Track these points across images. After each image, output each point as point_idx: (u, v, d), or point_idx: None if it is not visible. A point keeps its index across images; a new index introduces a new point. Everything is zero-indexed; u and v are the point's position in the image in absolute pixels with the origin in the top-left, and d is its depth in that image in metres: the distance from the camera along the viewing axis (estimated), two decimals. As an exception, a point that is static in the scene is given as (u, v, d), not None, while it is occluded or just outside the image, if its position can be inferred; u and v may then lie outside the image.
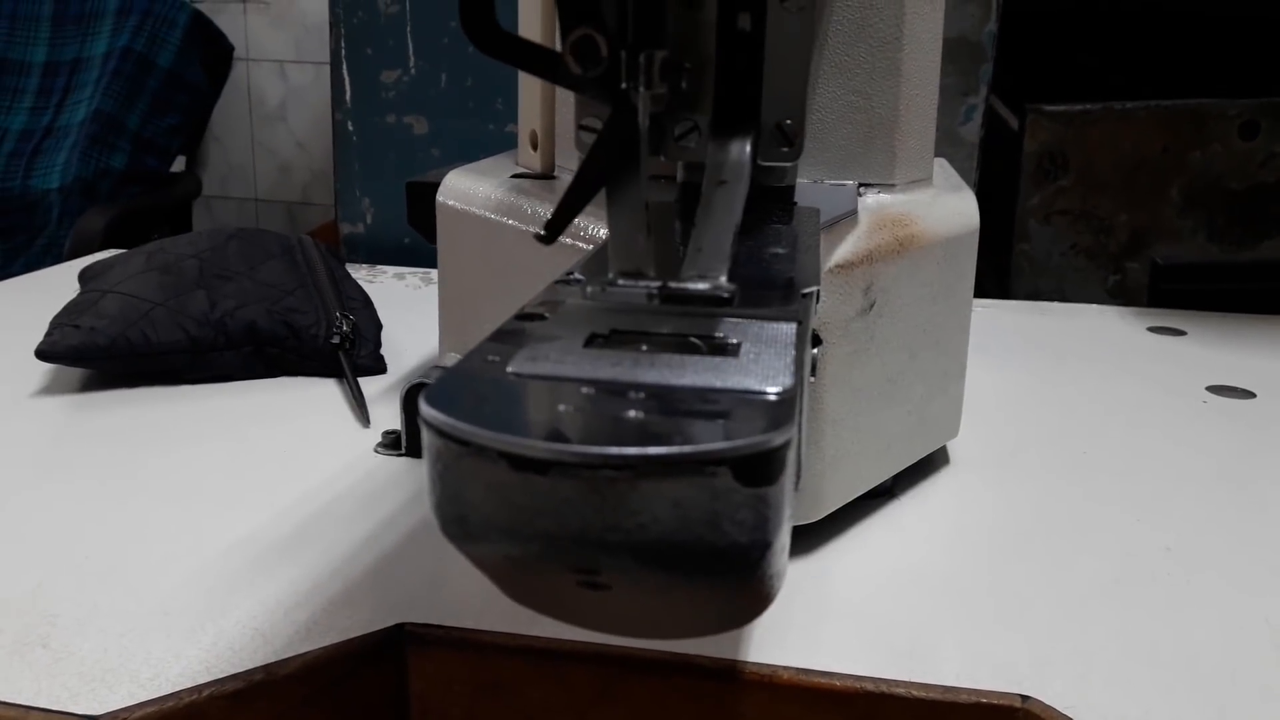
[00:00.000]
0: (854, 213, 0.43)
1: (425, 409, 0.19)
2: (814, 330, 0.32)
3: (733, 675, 0.34)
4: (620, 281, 0.23)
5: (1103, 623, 0.37)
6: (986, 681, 0.34)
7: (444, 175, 0.53)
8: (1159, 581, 0.40)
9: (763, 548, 0.19)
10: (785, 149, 0.29)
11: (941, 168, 0.55)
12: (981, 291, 0.96)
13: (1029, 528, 0.45)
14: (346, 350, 0.60)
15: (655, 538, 0.18)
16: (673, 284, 0.23)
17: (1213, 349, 0.69)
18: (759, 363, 0.23)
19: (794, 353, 0.23)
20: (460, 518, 0.19)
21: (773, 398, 0.21)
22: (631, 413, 0.19)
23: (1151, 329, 0.73)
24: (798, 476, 0.25)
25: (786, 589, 0.39)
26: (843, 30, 0.45)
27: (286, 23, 1.85)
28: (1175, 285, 0.94)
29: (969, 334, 0.49)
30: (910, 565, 0.41)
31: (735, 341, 0.24)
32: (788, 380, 0.21)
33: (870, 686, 0.34)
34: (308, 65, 1.84)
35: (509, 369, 0.22)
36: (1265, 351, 0.68)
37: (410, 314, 0.71)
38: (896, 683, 0.34)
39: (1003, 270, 0.99)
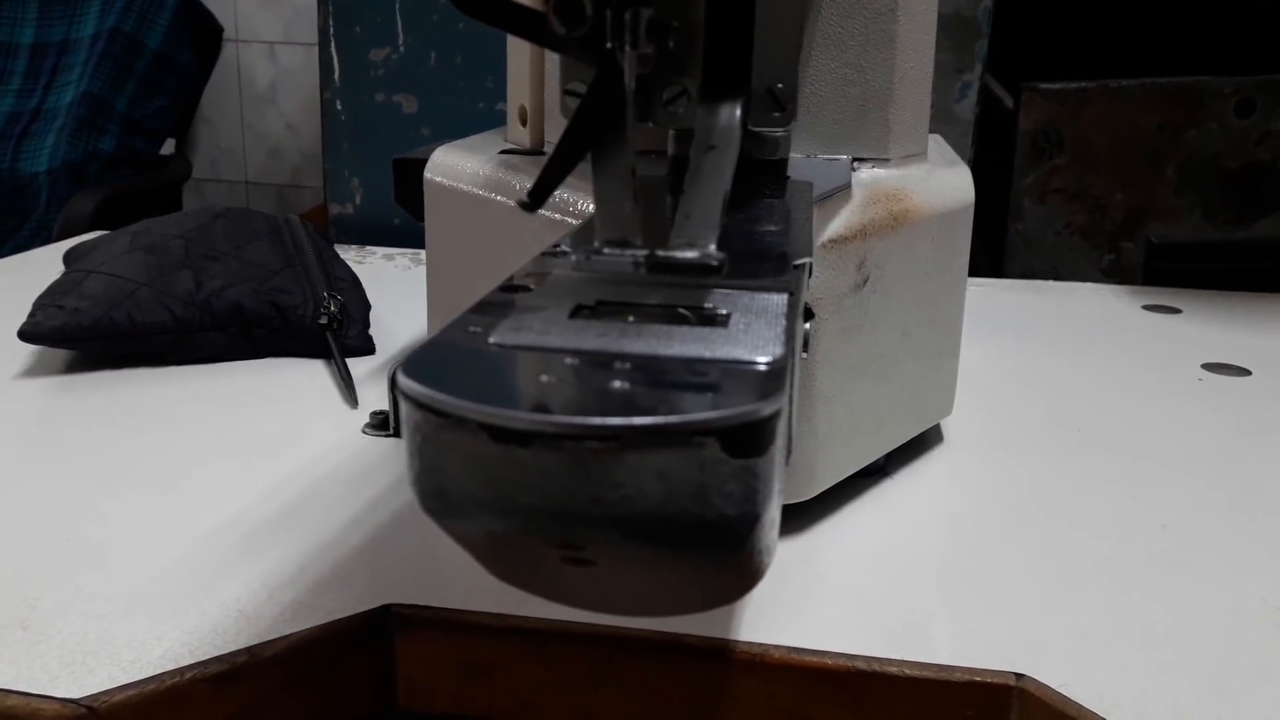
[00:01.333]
0: (848, 187, 0.42)
1: (404, 380, 0.19)
2: (806, 304, 0.32)
3: (724, 655, 0.34)
4: (606, 250, 0.23)
5: (1098, 601, 0.37)
6: (981, 660, 0.34)
7: (432, 152, 0.52)
8: (1155, 560, 0.40)
9: (751, 520, 0.19)
10: (777, 114, 0.28)
11: (936, 143, 0.54)
12: (976, 270, 0.96)
13: (1023, 506, 0.44)
14: (334, 331, 0.59)
15: (641, 510, 0.18)
16: (660, 252, 0.22)
17: (1208, 327, 0.68)
18: (749, 333, 0.22)
19: (785, 323, 0.23)
20: (440, 492, 0.19)
21: (762, 368, 0.20)
22: (617, 383, 0.19)
23: (1146, 307, 0.72)
24: (788, 450, 0.25)
25: (778, 568, 0.38)
26: (837, 1, 0.45)
27: (276, 3, 1.83)
28: (1170, 264, 0.94)
29: (963, 311, 0.48)
30: (903, 544, 0.41)
31: (725, 312, 0.23)
32: (778, 350, 0.21)
33: (863, 665, 0.33)
34: (298, 46, 1.82)
35: (491, 340, 0.21)
36: (1260, 329, 0.67)
37: (400, 295, 0.71)
38: (890, 661, 0.33)
39: (997, 249, 0.98)
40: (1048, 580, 0.38)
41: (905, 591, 0.37)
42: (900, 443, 0.46)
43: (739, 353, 0.21)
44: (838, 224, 0.41)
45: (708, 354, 0.21)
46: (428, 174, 0.52)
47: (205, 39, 1.74)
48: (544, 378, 0.19)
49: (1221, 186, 0.94)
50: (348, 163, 0.93)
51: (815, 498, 0.42)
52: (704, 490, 0.18)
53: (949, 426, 0.51)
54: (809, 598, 0.37)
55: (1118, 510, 0.44)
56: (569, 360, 0.20)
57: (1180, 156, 0.93)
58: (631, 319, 0.22)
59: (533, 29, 0.22)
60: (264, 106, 1.87)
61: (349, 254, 0.82)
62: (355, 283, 0.65)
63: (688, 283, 0.24)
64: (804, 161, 0.45)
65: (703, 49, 0.24)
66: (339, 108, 0.92)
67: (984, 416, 0.53)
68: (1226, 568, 0.39)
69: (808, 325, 0.35)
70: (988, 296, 0.75)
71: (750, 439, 0.18)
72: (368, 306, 0.63)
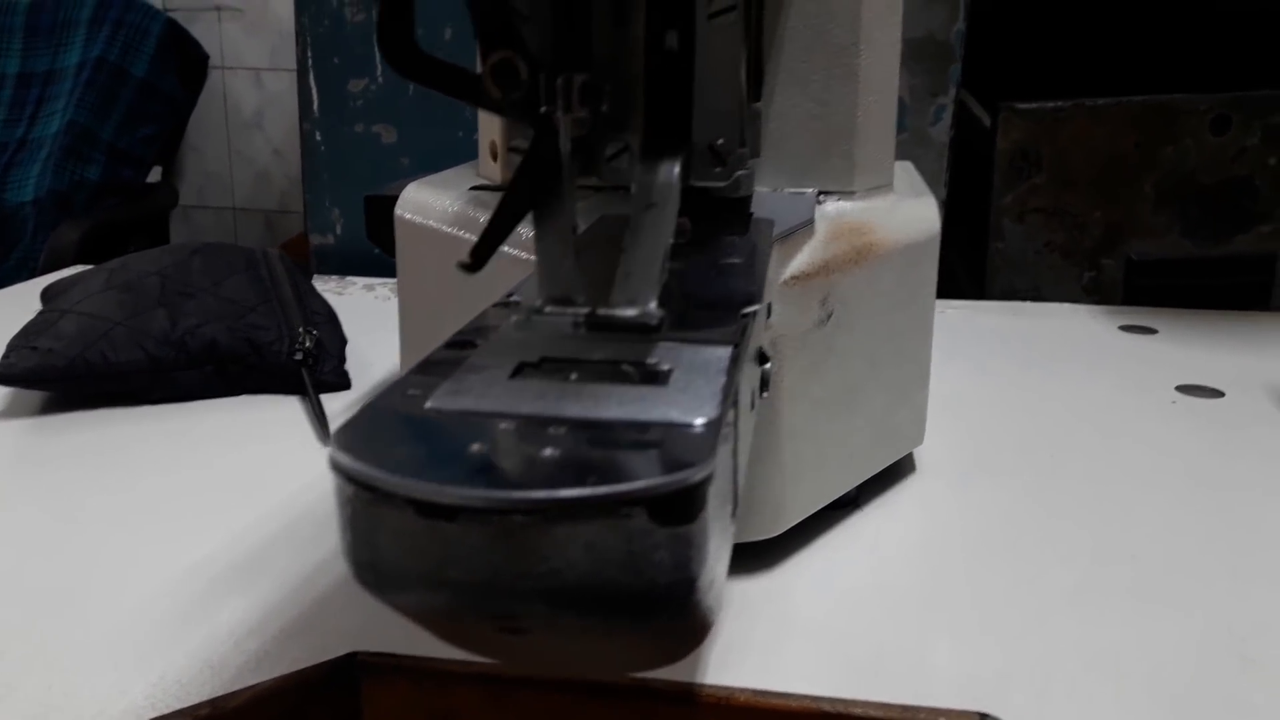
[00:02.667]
0: (810, 222, 0.43)
1: (333, 451, 0.19)
2: (761, 348, 0.32)
3: (689, 699, 0.34)
4: (548, 309, 0.23)
5: (1066, 634, 0.37)
6: (946, 698, 0.34)
7: (403, 188, 0.53)
8: (1124, 591, 0.40)
9: (685, 587, 0.19)
10: (718, 169, 0.28)
11: (905, 171, 0.55)
12: (958, 290, 0.97)
13: (994, 537, 0.44)
14: (309, 366, 0.59)
15: (570, 583, 0.18)
16: (600, 311, 0.23)
17: (1183, 347, 0.68)
18: (688, 392, 0.22)
19: (724, 379, 0.23)
20: (371, 565, 0.19)
21: (696, 430, 0.20)
22: (548, 451, 0.19)
23: (1123, 327, 0.73)
24: (735, 504, 0.25)
25: (746, 606, 0.38)
26: (799, 38, 0.45)
27: (261, 30, 1.84)
28: (1151, 281, 0.94)
29: (932, 341, 0.48)
30: (873, 578, 0.41)
31: (667, 368, 0.23)
32: (713, 411, 0.21)
33: (827, 707, 0.33)
34: (283, 72, 1.83)
35: (428, 405, 0.21)
36: (1235, 349, 0.68)
37: (379, 327, 0.71)
38: (854, 702, 0.33)
39: (979, 269, 0.99)
40: (1015, 613, 0.38)
41: (873, 627, 0.37)
42: (870, 474, 0.46)
43: (674, 414, 0.21)
44: (800, 261, 0.41)
45: (643, 416, 0.21)
46: (398, 211, 0.52)
47: (190, 66, 1.74)
48: (475, 446, 0.19)
49: (1199, 203, 0.94)
50: (328, 193, 0.93)
51: (785, 533, 0.42)
52: (633, 560, 0.18)
53: (922, 455, 0.51)
54: (777, 637, 0.37)
55: (1088, 539, 0.44)
56: (504, 425, 0.20)
57: (1157, 174, 0.94)
58: (574, 376, 0.23)
59: (471, 91, 0.23)
60: (251, 133, 1.87)
61: (329, 285, 0.82)
62: (331, 317, 0.65)
63: (633, 336, 0.24)
64: (770, 196, 0.45)
65: (643, 108, 0.24)
66: (318, 138, 0.93)
67: (957, 443, 0.53)
68: (1194, 597, 0.39)
69: (767, 366, 0.35)
70: (967, 319, 0.75)
71: (679, 507, 0.18)
72: (343, 341, 0.63)
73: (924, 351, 0.48)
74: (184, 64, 1.72)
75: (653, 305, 0.23)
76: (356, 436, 0.19)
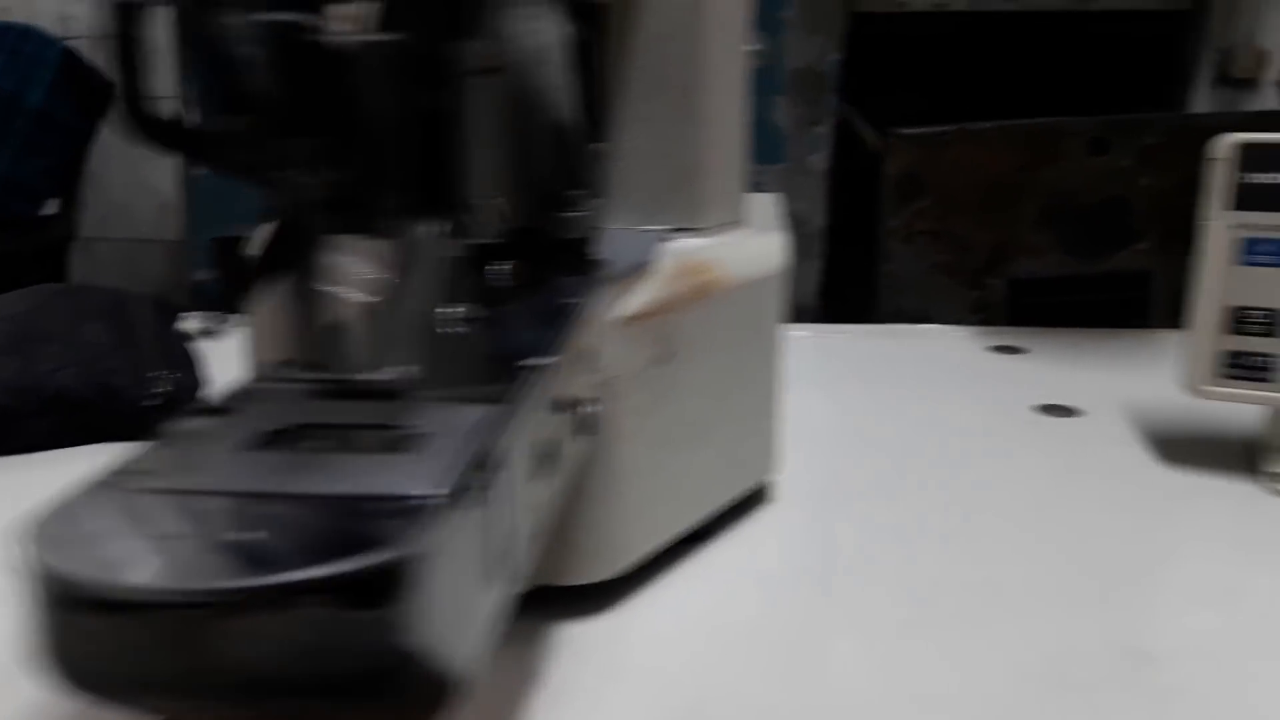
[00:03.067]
0: (651, 261, 0.43)
1: (21, 540, 0.18)
2: (568, 396, 0.32)
3: (509, 752, 0.33)
4: (297, 375, 0.22)
5: (897, 669, 0.37)
6: (768, 740, 0.34)
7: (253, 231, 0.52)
8: (954, 620, 0.40)
9: (397, 667, 0.18)
10: (488, 226, 0.28)
11: (762, 206, 0.55)
12: (852, 313, 0.98)
13: (840, 567, 0.44)
14: (164, 413, 0.57)
15: (263, 676, 0.17)
16: (349, 375, 0.22)
17: (1050, 366, 0.70)
18: (434, 459, 0.22)
19: (477, 444, 0.22)
20: (56, 659, 0.18)
21: (420, 503, 0.20)
22: (250, 534, 0.18)
23: (992, 348, 0.74)
24: (508, 562, 0.24)
25: (576, 652, 0.38)
26: (641, 79, 0.46)
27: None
28: (1033, 299, 0.97)
29: (779, 372, 0.49)
30: (711, 616, 0.41)
31: (422, 433, 0.23)
32: (447, 481, 0.20)
33: (646, 755, 0.33)
34: (187, 100, 1.79)
35: (146, 484, 0.20)
36: (1100, 368, 0.69)
37: (251, 366, 0.69)
38: (676, 749, 0.33)
39: (872, 290, 1.00)
40: (853, 648, 0.39)
41: (704, 668, 0.37)
42: (717, 508, 0.46)
43: (405, 486, 0.20)
44: (638, 300, 0.41)
45: (372, 489, 0.20)
46: (251, 251, 0.51)
47: (91, 96, 1.70)
48: (169, 531, 0.18)
49: (1079, 222, 0.97)
50: (205, 228, 0.91)
51: (631, 573, 0.42)
52: (328, 649, 0.17)
53: (781, 484, 0.52)
54: (605, 681, 0.37)
55: (933, 567, 0.44)
56: (214, 505, 0.19)
57: (1039, 195, 0.96)
58: (315, 447, 0.22)
59: (212, 155, 0.22)
60: (155, 162, 1.83)
61: (205, 323, 0.80)
62: (191, 361, 0.63)
63: (391, 400, 0.24)
64: (615, 234, 0.45)
65: (406, 167, 0.24)
66: (197, 171, 0.91)
67: (817, 472, 0.53)
68: (1018, 627, 0.40)
69: (594, 408, 0.35)
70: (848, 344, 0.76)
71: (377, 589, 0.18)
72: (199, 385, 0.62)
73: (771, 384, 0.48)
74: (83, 93, 1.68)
75: (406, 368, 0.23)
76: (57, 523, 0.19)
